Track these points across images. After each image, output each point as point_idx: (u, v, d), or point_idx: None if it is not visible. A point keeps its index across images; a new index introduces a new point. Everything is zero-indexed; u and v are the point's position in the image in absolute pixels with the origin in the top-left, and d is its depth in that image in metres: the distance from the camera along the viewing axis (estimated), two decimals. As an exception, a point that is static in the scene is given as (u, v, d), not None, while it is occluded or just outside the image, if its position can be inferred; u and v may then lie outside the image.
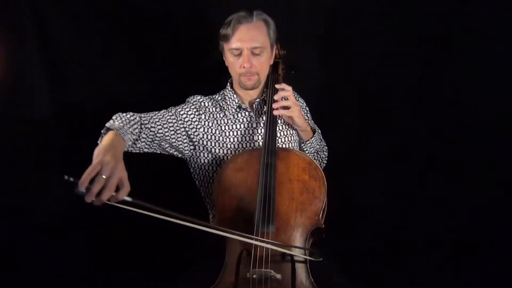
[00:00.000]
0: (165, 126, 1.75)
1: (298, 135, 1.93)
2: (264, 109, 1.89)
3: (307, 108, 2.07)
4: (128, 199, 1.30)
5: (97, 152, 1.33)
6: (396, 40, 2.28)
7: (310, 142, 1.90)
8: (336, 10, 2.28)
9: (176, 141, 1.80)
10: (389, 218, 2.34)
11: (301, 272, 1.50)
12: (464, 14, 2.21)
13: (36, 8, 2.12)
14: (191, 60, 2.30)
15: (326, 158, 2.06)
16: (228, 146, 1.85)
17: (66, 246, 2.23)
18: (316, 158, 1.98)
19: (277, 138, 1.85)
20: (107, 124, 1.56)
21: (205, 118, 1.86)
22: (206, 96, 1.95)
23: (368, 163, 2.33)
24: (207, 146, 1.85)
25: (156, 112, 1.79)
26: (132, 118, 1.65)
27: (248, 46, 1.78)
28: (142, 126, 1.68)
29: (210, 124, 1.86)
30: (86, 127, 2.22)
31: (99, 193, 1.23)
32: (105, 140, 1.45)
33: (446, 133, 2.31)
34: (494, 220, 2.25)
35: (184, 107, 1.86)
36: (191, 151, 1.86)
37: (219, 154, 1.84)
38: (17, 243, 2.15)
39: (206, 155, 1.86)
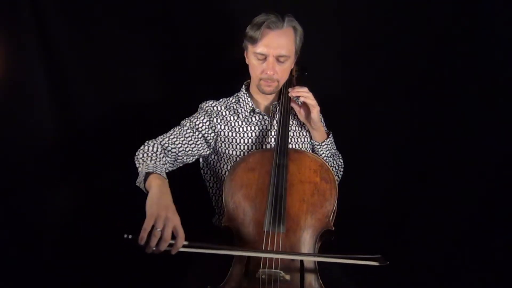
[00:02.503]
0: (184, 143, 1.77)
1: (311, 137, 1.92)
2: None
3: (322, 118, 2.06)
4: (185, 243, 1.40)
5: (149, 204, 1.42)
6: (403, 42, 2.29)
7: (326, 144, 1.89)
8: (348, 12, 2.28)
9: (198, 151, 1.82)
10: (393, 218, 2.35)
11: (310, 274, 1.50)
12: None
13: (36, 8, 2.09)
14: (199, 61, 2.29)
15: (343, 167, 2.04)
16: (242, 148, 1.85)
17: (69, 245, 2.23)
18: (332, 164, 1.96)
19: (290, 138, 1.86)
20: (143, 168, 1.58)
21: (217, 121, 1.86)
22: (218, 100, 1.94)
23: (369, 163, 2.33)
24: (221, 148, 1.86)
25: (172, 132, 1.79)
26: (155, 149, 1.68)
27: (275, 54, 1.75)
28: (165, 151, 1.72)
29: (223, 127, 1.86)
30: (86, 127, 2.25)
31: (157, 244, 1.33)
32: (152, 188, 1.49)
33: (447, 133, 2.32)
34: (495, 220, 2.27)
35: (197, 115, 1.86)
36: (210, 151, 1.88)
37: (232, 155, 1.84)
38: (17, 244, 2.14)
39: (219, 156, 1.87)
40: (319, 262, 1.54)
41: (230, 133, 1.85)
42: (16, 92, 2.13)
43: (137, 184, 1.61)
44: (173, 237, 1.37)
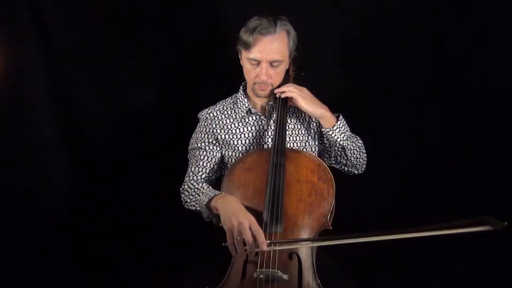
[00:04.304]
0: (205, 165, 1.85)
1: (321, 126, 1.85)
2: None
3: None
4: (268, 241, 1.47)
5: (222, 220, 1.51)
6: (407, 43, 2.29)
7: (338, 128, 1.80)
8: (349, 10, 2.28)
9: (219, 159, 1.88)
10: (393, 218, 2.34)
11: (308, 273, 1.50)
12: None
13: (37, 9, 2.11)
14: (198, 61, 2.30)
15: (364, 148, 1.94)
16: (240, 149, 1.85)
17: (70, 245, 2.24)
18: (352, 147, 1.85)
19: (288, 137, 1.85)
20: (200, 205, 1.66)
21: (215, 127, 1.88)
22: (215, 103, 1.97)
23: (369, 163, 2.33)
24: (220, 151, 1.88)
25: (190, 165, 1.86)
26: (192, 187, 1.78)
27: (268, 59, 1.74)
28: (200, 181, 1.81)
29: (219, 131, 1.88)
30: (86, 127, 2.26)
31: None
32: (219, 207, 1.56)
33: (447, 132, 2.32)
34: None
35: (200, 129, 1.91)
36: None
37: (231, 156, 1.86)
38: (17, 244, 2.15)
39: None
40: (316, 261, 1.54)
41: (226, 136, 1.87)
42: (16, 92, 2.15)
43: (207, 219, 1.69)
44: None
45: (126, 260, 2.26)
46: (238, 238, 1.43)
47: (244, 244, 1.45)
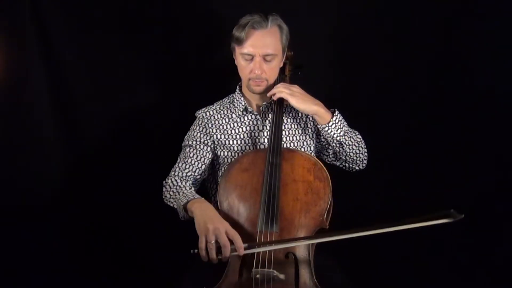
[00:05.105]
0: (193, 162, 1.86)
1: (317, 123, 1.84)
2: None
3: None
4: (245, 245, 1.47)
5: (197, 226, 1.55)
6: (405, 42, 2.28)
7: (333, 123, 1.77)
8: (347, 9, 2.27)
9: (209, 160, 1.89)
10: (392, 218, 2.33)
11: (305, 272, 1.50)
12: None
13: (37, 9, 2.11)
14: (198, 61, 2.31)
15: (364, 143, 1.91)
16: (235, 148, 1.86)
17: (70, 245, 2.24)
18: (350, 143, 1.83)
19: (284, 137, 1.85)
20: (178, 204, 1.70)
21: (210, 126, 1.89)
22: (212, 103, 1.98)
23: (369, 163, 2.32)
24: (216, 151, 1.89)
25: (179, 160, 1.89)
26: (175, 183, 1.80)
27: (261, 53, 1.75)
28: (184, 179, 1.83)
29: (214, 131, 1.88)
30: (86, 128, 2.26)
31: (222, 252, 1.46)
32: (194, 212, 1.60)
33: (447, 132, 2.31)
34: (495, 220, 2.26)
35: (194, 127, 1.93)
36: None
37: (227, 156, 1.86)
38: (17, 244, 2.15)
39: (216, 158, 1.90)
40: (314, 260, 1.54)
41: (222, 136, 1.88)
42: (16, 92, 2.15)
43: (182, 219, 1.73)
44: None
45: (126, 260, 2.27)
46: (212, 242, 1.45)
47: (219, 250, 1.46)
